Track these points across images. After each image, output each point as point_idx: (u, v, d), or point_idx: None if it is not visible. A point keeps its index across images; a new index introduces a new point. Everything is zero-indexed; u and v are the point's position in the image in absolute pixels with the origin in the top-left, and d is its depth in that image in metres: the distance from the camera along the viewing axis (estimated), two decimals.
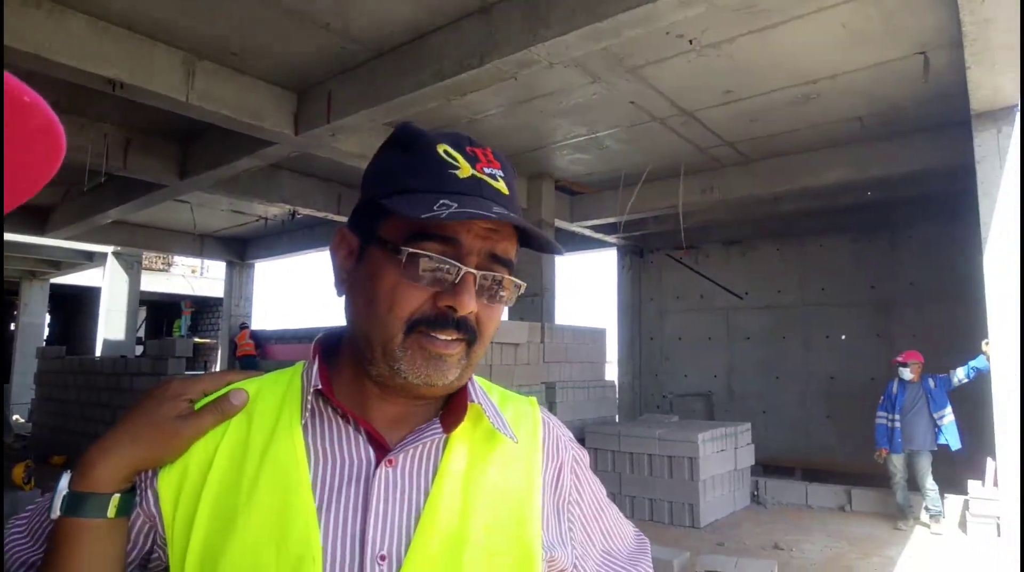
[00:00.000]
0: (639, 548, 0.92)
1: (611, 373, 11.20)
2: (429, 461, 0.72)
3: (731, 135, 7.21)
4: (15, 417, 14.08)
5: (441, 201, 0.65)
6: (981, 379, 6.06)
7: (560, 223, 9.51)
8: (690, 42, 5.11)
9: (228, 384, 0.75)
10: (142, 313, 20.28)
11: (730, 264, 10.70)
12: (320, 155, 7.05)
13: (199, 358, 17.39)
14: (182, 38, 5.16)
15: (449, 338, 0.68)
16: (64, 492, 0.67)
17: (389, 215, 0.69)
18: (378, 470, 0.69)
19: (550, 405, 7.62)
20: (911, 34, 5.13)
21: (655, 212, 8.75)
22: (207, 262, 19.87)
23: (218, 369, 15.77)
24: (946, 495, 6.32)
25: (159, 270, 19.47)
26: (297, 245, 13.03)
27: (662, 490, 6.63)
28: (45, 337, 17.79)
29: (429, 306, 0.68)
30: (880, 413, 6.60)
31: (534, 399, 0.88)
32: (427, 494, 0.70)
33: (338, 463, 0.70)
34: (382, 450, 0.71)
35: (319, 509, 0.67)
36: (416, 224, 0.67)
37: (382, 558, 0.66)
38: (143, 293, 16.07)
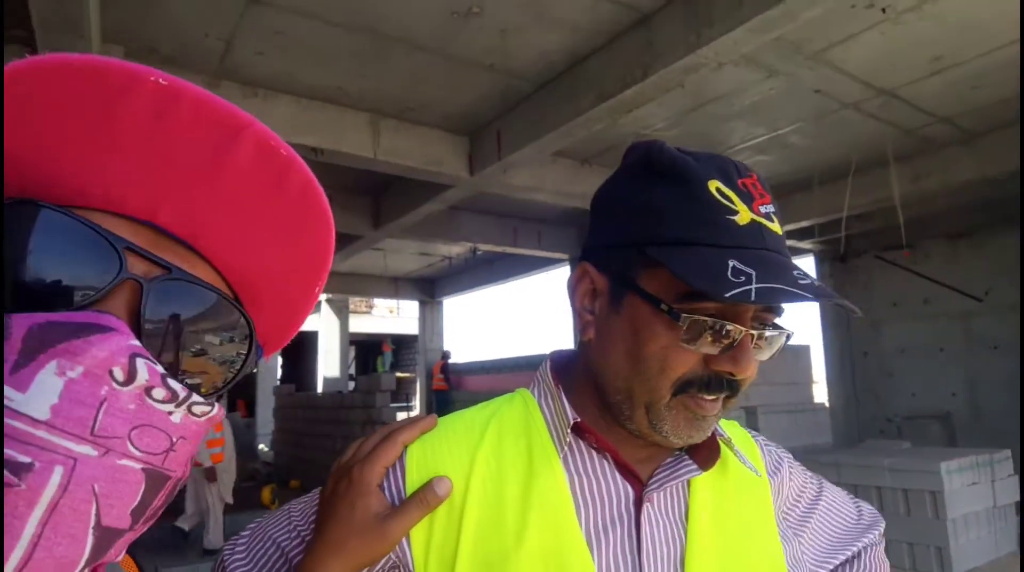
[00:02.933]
0: (861, 518, 0.92)
1: (820, 395, 10.13)
2: (679, 497, 0.72)
3: (945, 109, 6.20)
4: (260, 446, 16.01)
5: (732, 263, 0.60)
6: None
7: None
8: (883, 10, 4.47)
9: (403, 445, 0.69)
10: (351, 352, 22.33)
11: (959, 260, 9.18)
12: (494, 192, 7.24)
13: (401, 391, 18.71)
14: (365, 100, 5.60)
15: (715, 399, 0.66)
16: None
17: (654, 264, 0.64)
18: (644, 509, 0.69)
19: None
20: None
21: (857, 210, 7.79)
22: (402, 302, 21.44)
23: (416, 401, 16.81)
24: None
25: (363, 313, 21.35)
26: (480, 280, 13.57)
27: (898, 530, 5.71)
28: (279, 377, 20.19)
29: (702, 368, 0.64)
30: None
31: (735, 422, 0.86)
32: (686, 531, 0.70)
33: (603, 501, 0.69)
34: (636, 483, 0.71)
35: (590, 549, 0.65)
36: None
37: None
38: (351, 334, 17.68)
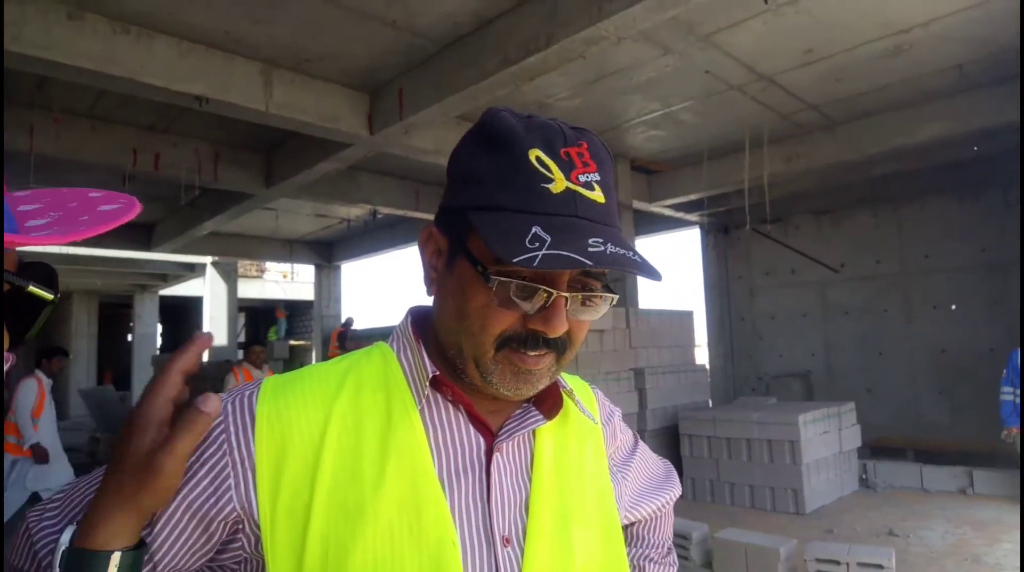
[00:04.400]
0: (667, 475, 1.05)
1: (701, 356, 10.87)
2: (525, 445, 0.77)
3: (815, 98, 6.78)
4: None
5: (533, 229, 0.63)
6: None
7: (638, 204, 9.27)
8: (765, 1, 4.82)
9: (180, 373, 0.66)
10: (241, 319, 21.42)
11: (822, 235, 10.13)
12: (395, 153, 7.16)
13: (295, 360, 18.19)
14: (257, 48, 5.33)
15: (539, 354, 0.69)
16: (64, 547, 0.60)
17: (477, 231, 0.67)
18: (494, 458, 0.72)
19: (639, 392, 7.45)
20: None
21: (738, 186, 8.38)
22: (297, 266, 20.74)
23: None
24: None
25: (254, 277, 20.47)
26: (380, 244, 13.36)
27: (763, 476, 6.36)
28: (158, 346, 19.07)
29: (520, 326, 0.68)
30: (1004, 388, 6.06)
31: (577, 377, 0.92)
32: (530, 478, 0.75)
33: (457, 450, 0.72)
34: (487, 434, 0.74)
35: (445, 494, 0.69)
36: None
37: (506, 540, 0.70)
38: (241, 300, 16.94)
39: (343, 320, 14.13)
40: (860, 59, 5.89)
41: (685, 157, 8.59)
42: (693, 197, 9.37)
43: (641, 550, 1.01)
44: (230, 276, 15.58)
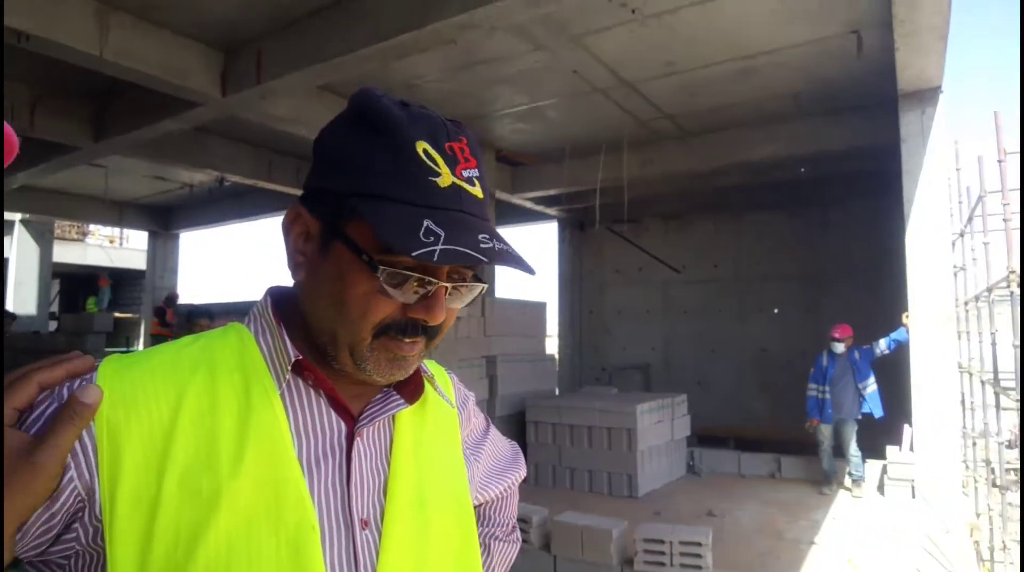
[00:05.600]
0: (514, 457, 1.08)
1: (552, 347, 11.24)
2: (385, 430, 0.77)
3: (671, 108, 7.22)
4: None
5: (425, 223, 0.63)
6: (901, 350, 6.36)
7: (501, 195, 9.40)
8: (632, 11, 5.04)
9: (38, 386, 0.62)
10: (55, 286, 19.11)
11: (669, 238, 10.85)
12: (250, 119, 6.69)
13: (120, 333, 16.49)
14: None
15: (413, 341, 0.70)
16: None
17: (359, 216, 0.66)
18: (355, 442, 0.72)
19: (491, 379, 7.57)
20: (845, 12, 5.20)
21: (596, 185, 8.75)
22: (127, 232, 18.84)
23: (140, 345, 15.07)
24: (867, 460, 6.62)
25: (73, 240, 18.34)
26: (226, 214, 12.47)
27: (601, 461, 6.71)
28: None
29: (399, 314, 0.69)
30: (811, 385, 6.84)
31: (434, 361, 0.91)
32: (388, 461, 0.75)
33: (318, 435, 0.71)
34: (348, 419, 0.73)
35: (306, 478, 0.68)
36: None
37: (365, 523, 0.71)
38: (56, 265, 15.12)
39: (166, 296, 12.62)
40: (713, 77, 6.33)
41: (548, 152, 8.81)
42: (553, 192, 9.65)
43: (487, 529, 1.04)
44: (44, 237, 13.86)
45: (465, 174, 0.69)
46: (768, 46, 5.74)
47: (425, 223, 0.63)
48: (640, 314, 11.18)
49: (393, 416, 0.78)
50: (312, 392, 0.72)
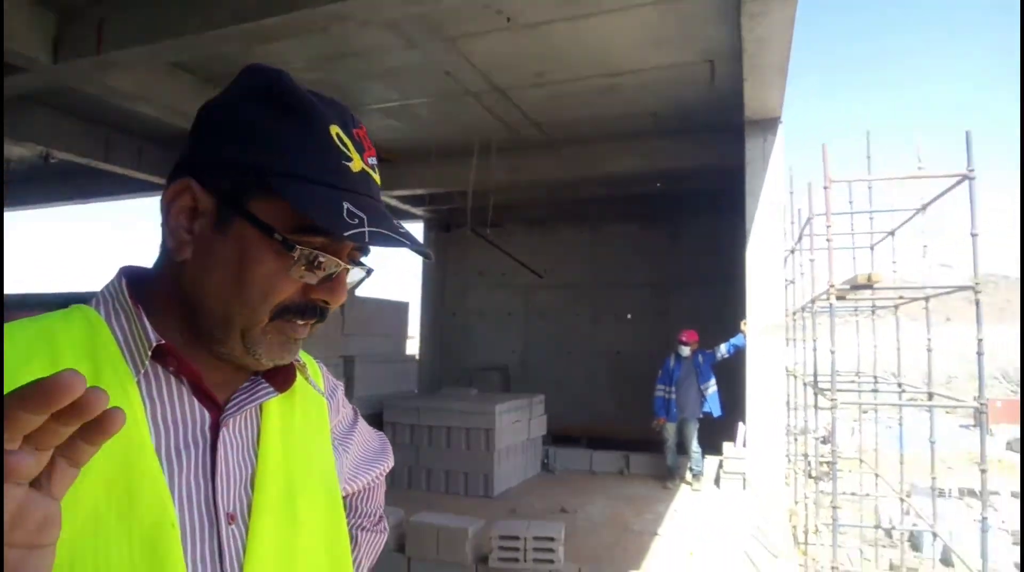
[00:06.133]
0: (382, 447, 1.08)
1: (413, 348, 11.13)
2: (252, 419, 0.74)
3: (540, 117, 7.42)
4: None
5: (346, 205, 0.63)
6: (739, 354, 6.97)
7: None
8: (507, 19, 5.12)
9: None
10: None
11: (532, 244, 11.12)
12: (86, 91, 6.04)
13: None
14: None
15: (306, 324, 0.70)
16: None
17: (270, 194, 0.64)
18: (221, 433, 0.69)
19: (348, 380, 7.36)
20: (703, 43, 5.62)
21: (463, 187, 8.79)
22: None
23: None
24: (706, 456, 7.19)
25: None
26: (50, 195, 11.14)
27: (459, 462, 6.73)
28: None
29: (299, 296, 0.67)
30: (659, 386, 7.31)
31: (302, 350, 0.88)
32: (255, 452, 0.72)
33: (179, 426, 0.66)
34: (213, 408, 0.69)
35: (165, 472, 0.63)
36: (304, 217, 0.64)
37: (231, 518, 0.67)
38: None
39: None
40: (580, 90, 6.59)
41: (417, 151, 8.73)
42: (420, 192, 9.59)
43: (355, 519, 1.03)
44: None
45: (370, 161, 0.70)
46: (632, 66, 6.07)
47: (346, 206, 0.63)
48: (502, 317, 11.37)
49: (261, 405, 0.75)
50: (173, 380, 0.67)
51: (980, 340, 4.76)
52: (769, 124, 6.50)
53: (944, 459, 7.33)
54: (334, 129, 0.67)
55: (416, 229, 12.43)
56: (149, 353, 0.64)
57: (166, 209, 0.68)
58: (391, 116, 7.50)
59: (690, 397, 7.18)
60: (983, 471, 4.70)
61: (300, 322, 0.69)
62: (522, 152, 8.50)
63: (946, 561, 7.75)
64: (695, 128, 7.57)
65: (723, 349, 7.16)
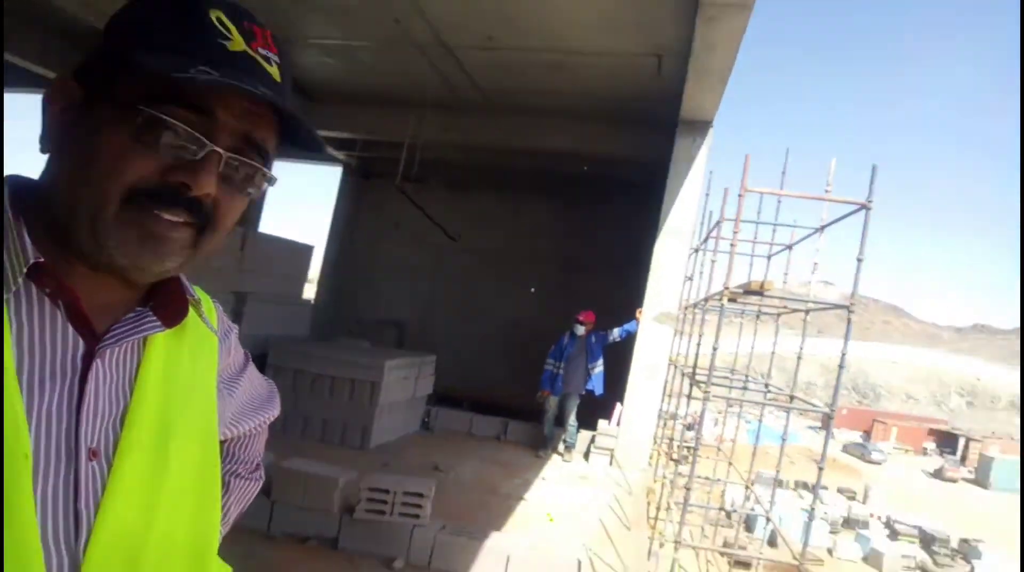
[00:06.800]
0: (270, 396, 1.06)
1: (311, 292, 10.88)
2: (133, 352, 0.69)
3: (483, 82, 7.34)
4: None
5: (201, 67, 0.58)
6: (630, 339, 7.29)
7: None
8: None
9: None
10: None
11: (451, 205, 11.03)
12: None
13: None
14: None
15: (175, 219, 0.62)
16: None
17: (131, 71, 0.60)
18: (94, 364, 0.64)
19: (235, 316, 7.13)
20: (656, 37, 5.72)
21: (390, 138, 8.60)
22: None
23: None
24: (581, 431, 7.51)
25: None
26: None
27: (339, 412, 6.68)
28: None
29: (157, 178, 0.60)
30: (549, 360, 7.54)
31: (199, 287, 0.85)
32: (132, 387, 0.68)
33: (47, 351, 0.61)
34: (89, 337, 0.64)
35: (25, 399, 0.58)
36: (165, 85, 0.59)
37: (93, 453, 0.63)
38: None
39: None
40: (528, 62, 6.57)
41: (349, 94, 8.45)
42: (345, 136, 9.30)
43: (230, 465, 1.01)
44: None
45: (262, 52, 0.65)
46: (583, 47, 6.09)
47: (202, 66, 0.58)
48: (408, 273, 11.30)
49: (146, 339, 0.70)
50: (48, 302, 0.62)
51: (844, 354, 5.22)
52: (701, 127, 6.74)
53: (788, 454, 8.02)
54: (215, 13, 0.63)
55: (335, 173, 12.06)
56: (23, 271, 0.59)
57: (44, 108, 0.65)
58: (328, 54, 7.20)
59: (577, 374, 7.45)
60: (820, 468, 5.20)
61: (162, 214, 0.61)
62: (458, 113, 8.39)
63: (772, 542, 8.58)
64: (631, 119, 7.73)
65: (616, 333, 7.46)
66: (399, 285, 11.32)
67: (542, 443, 7.45)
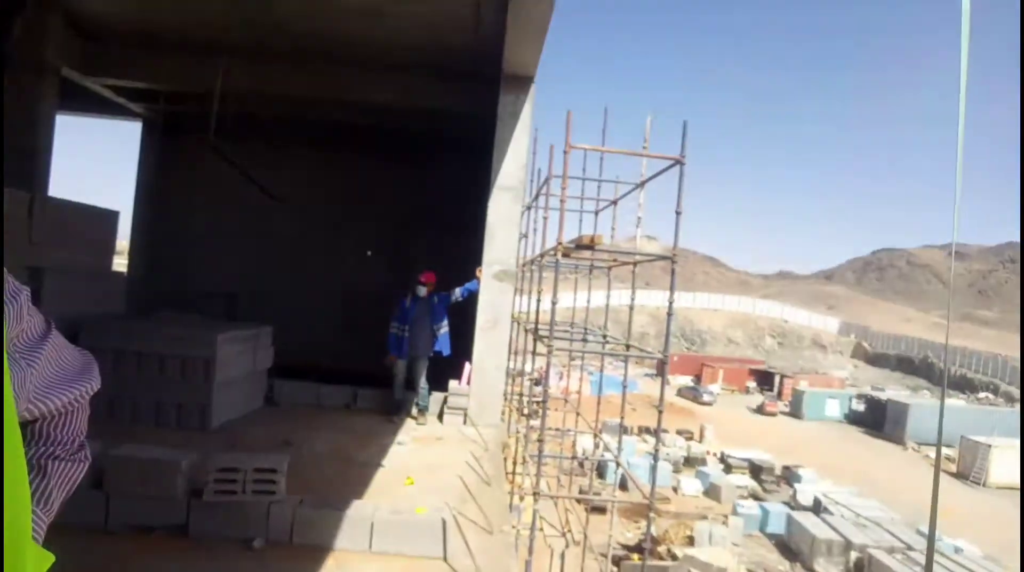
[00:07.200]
0: (85, 367, 0.96)
1: (121, 264, 9.74)
2: None
3: (294, 26, 6.83)
4: None
5: None
6: (472, 298, 7.35)
7: (69, 73, 7.60)
8: None
9: None
10: None
11: (270, 163, 10.31)
12: None
13: None
14: None
15: None
16: None
17: None
18: None
19: (35, 294, 6.15)
20: None
21: (194, 88, 7.77)
22: None
23: None
24: (433, 392, 7.50)
25: None
26: None
27: (172, 392, 6.11)
28: None
29: None
30: (393, 324, 7.39)
31: None
32: None
33: None
34: None
35: None
36: None
37: None
38: None
39: None
40: (342, 6, 6.20)
41: (145, 38, 7.47)
42: (142, 85, 8.26)
43: (46, 448, 0.91)
44: None
45: None
46: None
47: None
48: (232, 239, 10.45)
49: None
50: None
51: (671, 303, 5.65)
52: (524, 82, 6.83)
53: (630, 401, 8.66)
54: None
55: (135, 129, 10.73)
56: None
57: None
58: None
59: (423, 336, 7.40)
60: (660, 411, 5.65)
61: None
62: (270, 62, 7.77)
63: (623, 486, 9.29)
64: (456, 73, 7.64)
65: (458, 293, 7.49)
66: (225, 254, 10.45)
67: (395, 408, 7.35)
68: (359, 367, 8.75)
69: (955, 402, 52.85)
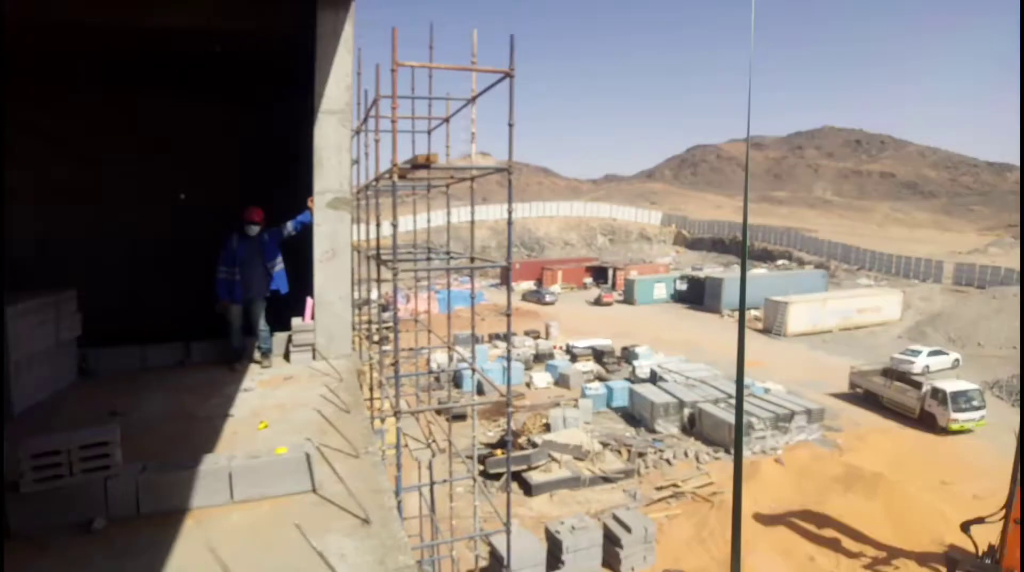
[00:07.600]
0: None
1: None
2: None
3: None
4: None
5: None
6: (306, 231, 6.93)
7: None
8: None
9: None
10: None
11: (53, 108, 8.79)
12: None
13: None
14: None
15: None
16: None
17: None
18: None
19: None
20: None
21: None
22: None
23: None
24: (275, 333, 7.11)
25: None
26: None
27: None
28: None
29: None
30: (221, 267, 6.82)
31: None
32: None
33: None
34: None
35: None
36: None
37: None
38: None
39: None
40: None
41: None
42: None
43: None
44: None
45: None
46: None
47: None
48: (7, 197, 8.90)
49: None
50: None
51: (510, 213, 5.69)
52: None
53: (478, 312, 8.80)
54: None
55: None
56: None
57: None
58: None
59: (256, 277, 6.93)
60: (508, 316, 5.78)
61: None
62: None
63: (480, 391, 9.58)
64: None
65: (289, 226, 7.03)
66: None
67: (235, 355, 6.91)
68: (188, 320, 8.06)
69: (758, 270, 60.71)
